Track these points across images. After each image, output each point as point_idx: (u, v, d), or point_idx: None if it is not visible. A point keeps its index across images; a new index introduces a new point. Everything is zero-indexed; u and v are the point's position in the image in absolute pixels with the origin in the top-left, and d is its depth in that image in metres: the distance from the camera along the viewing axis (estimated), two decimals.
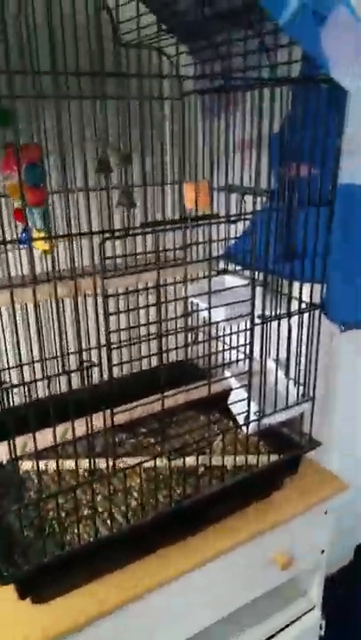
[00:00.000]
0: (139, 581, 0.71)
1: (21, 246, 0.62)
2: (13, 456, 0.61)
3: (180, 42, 0.84)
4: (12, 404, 0.60)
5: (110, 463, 0.66)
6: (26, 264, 0.71)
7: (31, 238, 0.56)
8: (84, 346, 0.61)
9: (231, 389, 0.84)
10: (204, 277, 0.77)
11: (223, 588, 0.82)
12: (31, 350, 0.82)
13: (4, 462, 0.65)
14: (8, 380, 0.59)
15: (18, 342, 0.54)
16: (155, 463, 0.76)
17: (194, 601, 0.79)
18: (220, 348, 0.95)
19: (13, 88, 0.52)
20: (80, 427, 0.65)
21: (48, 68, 0.59)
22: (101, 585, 0.70)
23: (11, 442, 0.61)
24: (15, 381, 0.60)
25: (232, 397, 0.83)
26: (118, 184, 0.77)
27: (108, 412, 0.63)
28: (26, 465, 0.75)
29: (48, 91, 0.63)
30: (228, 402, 0.83)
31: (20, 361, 0.55)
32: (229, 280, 0.91)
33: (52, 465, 0.71)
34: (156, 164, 0.87)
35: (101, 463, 0.74)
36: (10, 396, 0.57)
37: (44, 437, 0.64)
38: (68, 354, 0.62)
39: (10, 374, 0.60)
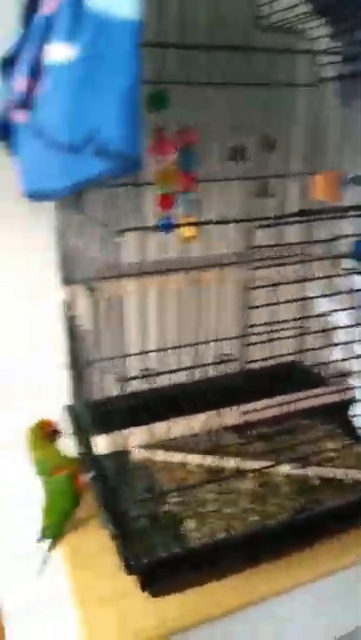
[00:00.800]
0: (254, 588, 0.68)
1: (162, 233, 0.60)
2: (141, 445, 0.60)
3: (326, 24, 0.79)
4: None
5: (236, 464, 0.64)
6: (161, 252, 0.70)
7: (175, 225, 0.55)
8: (218, 337, 0.59)
9: (354, 400, 0.78)
10: (333, 276, 0.72)
11: (336, 607, 0.77)
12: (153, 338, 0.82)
13: (134, 451, 0.65)
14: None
15: (161, 330, 0.53)
16: (283, 470, 0.72)
17: (305, 615, 0.74)
18: (340, 354, 0.89)
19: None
20: (198, 422, 0.64)
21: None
22: (218, 587, 0.67)
23: (132, 430, 0.60)
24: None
25: (358, 410, 0.77)
26: (256, 173, 0.74)
27: (233, 410, 0.60)
28: (144, 454, 0.75)
29: (194, 77, 0.62)
30: (352, 413, 0.78)
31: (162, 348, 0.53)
32: (358, 280, 0.85)
33: (174, 457, 0.70)
34: (290, 154, 0.83)
35: (224, 462, 0.71)
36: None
37: (166, 428, 0.63)
38: (196, 344, 0.59)
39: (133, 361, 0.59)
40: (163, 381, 0.65)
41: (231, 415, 0.59)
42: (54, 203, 0.77)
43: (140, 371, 0.51)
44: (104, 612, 0.65)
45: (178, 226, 0.54)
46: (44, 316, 0.91)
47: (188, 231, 0.55)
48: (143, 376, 0.50)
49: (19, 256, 0.88)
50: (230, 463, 0.67)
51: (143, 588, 0.63)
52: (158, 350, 0.56)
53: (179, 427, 0.60)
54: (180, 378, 0.67)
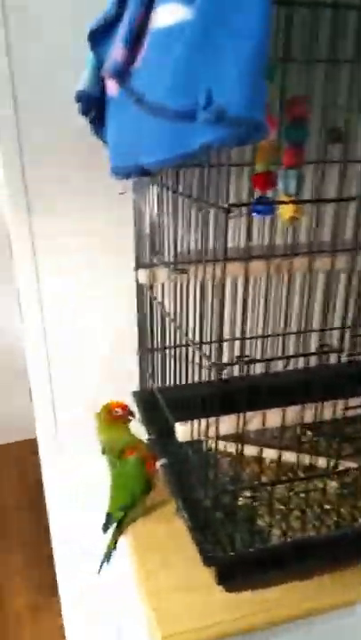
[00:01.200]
0: (329, 594, 0.64)
1: (257, 216, 0.57)
2: (220, 436, 0.58)
3: None
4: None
5: (332, 463, 0.60)
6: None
7: (274, 202, 0.51)
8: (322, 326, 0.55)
9: None
10: None
11: None
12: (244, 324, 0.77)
13: (212, 440, 0.62)
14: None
15: (266, 315, 0.50)
16: None
17: None
18: None
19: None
20: (290, 414, 0.60)
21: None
22: (290, 589, 0.64)
23: (213, 419, 0.58)
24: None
25: None
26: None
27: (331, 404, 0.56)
28: (221, 444, 0.72)
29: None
30: None
31: (264, 333, 0.50)
32: None
33: (253, 451, 0.67)
34: None
35: (308, 460, 0.68)
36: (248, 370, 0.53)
37: (249, 420, 0.60)
38: (300, 332, 0.56)
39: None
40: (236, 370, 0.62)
41: (331, 409, 0.56)
42: (133, 183, 0.75)
43: (240, 358, 0.48)
44: (172, 605, 0.64)
45: (279, 202, 0.50)
46: (120, 298, 0.91)
47: (291, 211, 0.52)
48: (246, 362, 0.47)
49: (97, 237, 0.87)
50: (318, 462, 0.63)
51: (219, 582, 0.61)
52: (257, 337, 0.53)
53: (267, 419, 0.57)
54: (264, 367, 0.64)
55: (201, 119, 0.40)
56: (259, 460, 0.73)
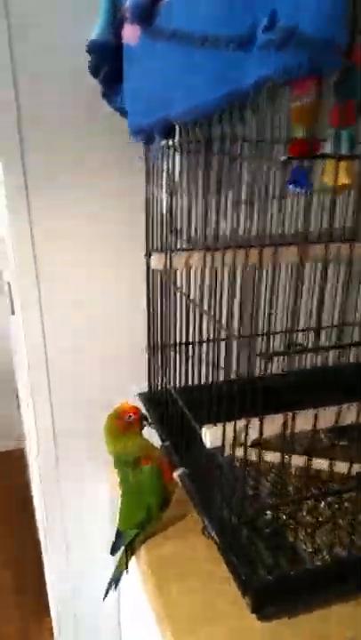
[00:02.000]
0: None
1: (294, 190, 0.50)
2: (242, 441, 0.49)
3: None
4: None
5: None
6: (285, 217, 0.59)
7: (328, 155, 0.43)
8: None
9: None
10: None
11: None
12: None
13: (237, 446, 0.54)
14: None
15: (296, 306, 0.42)
16: None
17: None
18: None
19: None
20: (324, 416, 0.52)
21: None
22: (333, 615, 0.56)
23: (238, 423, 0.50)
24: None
25: None
26: None
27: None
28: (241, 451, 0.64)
29: None
30: None
31: (293, 327, 0.42)
32: None
33: (274, 457, 0.59)
34: None
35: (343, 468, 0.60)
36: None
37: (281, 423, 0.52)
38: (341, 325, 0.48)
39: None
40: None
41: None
42: (151, 150, 0.67)
43: (290, 347, 0.40)
44: (196, 637, 0.55)
45: (340, 157, 0.42)
46: (121, 289, 0.83)
47: (344, 177, 0.44)
48: (297, 352, 0.40)
49: (98, 225, 0.79)
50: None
51: (255, 610, 0.52)
52: (309, 329, 0.45)
53: (299, 421, 0.49)
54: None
55: (261, 43, 0.32)
56: (282, 468, 0.66)
